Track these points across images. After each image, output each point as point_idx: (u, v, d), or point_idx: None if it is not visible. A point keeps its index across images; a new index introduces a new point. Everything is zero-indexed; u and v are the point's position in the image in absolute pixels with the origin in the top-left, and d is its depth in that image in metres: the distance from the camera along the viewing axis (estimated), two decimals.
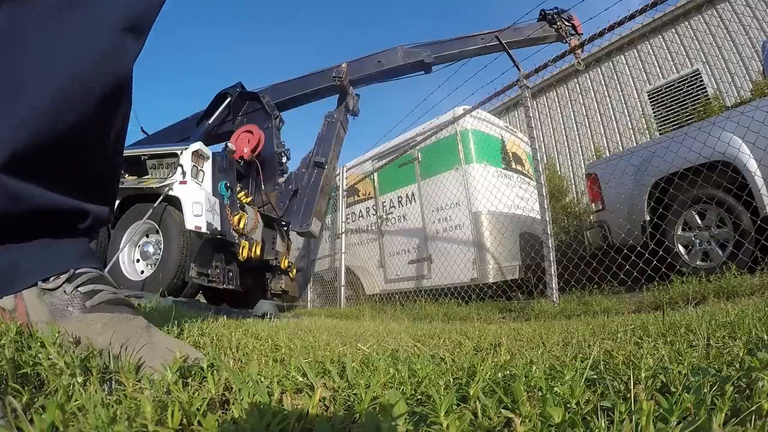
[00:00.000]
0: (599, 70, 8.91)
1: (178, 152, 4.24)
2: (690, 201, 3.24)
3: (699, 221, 3.25)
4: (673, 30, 7.97)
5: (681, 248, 3.34)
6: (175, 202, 4.08)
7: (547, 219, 3.38)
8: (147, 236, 4.42)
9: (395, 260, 5.58)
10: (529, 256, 4.36)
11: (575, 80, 9.34)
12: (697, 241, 3.27)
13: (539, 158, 3.56)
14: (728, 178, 2.94)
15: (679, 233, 3.36)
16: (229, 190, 4.32)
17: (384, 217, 5.83)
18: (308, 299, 6.88)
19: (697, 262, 3.23)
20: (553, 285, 3.19)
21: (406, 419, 0.38)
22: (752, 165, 2.85)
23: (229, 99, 5.60)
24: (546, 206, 3.44)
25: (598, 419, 0.38)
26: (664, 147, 3.33)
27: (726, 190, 2.99)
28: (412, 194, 5.53)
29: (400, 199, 5.70)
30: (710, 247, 3.18)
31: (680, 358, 0.59)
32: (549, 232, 3.33)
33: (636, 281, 3.12)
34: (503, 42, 4.05)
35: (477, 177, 4.82)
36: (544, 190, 3.48)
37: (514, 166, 5.48)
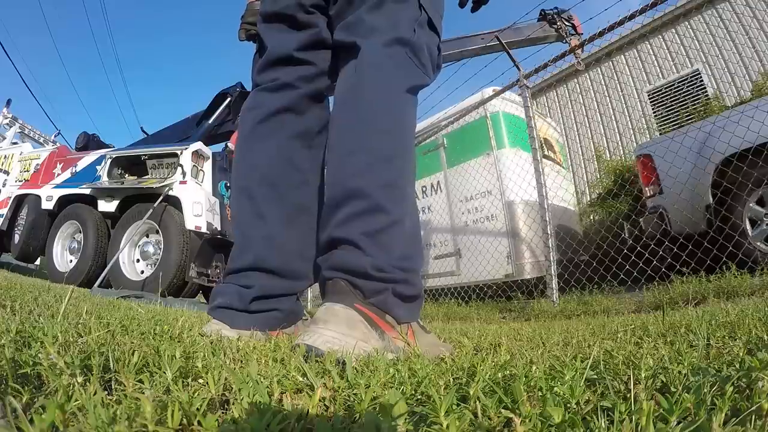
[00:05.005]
0: (599, 70, 8.90)
1: (178, 152, 4.25)
2: None
3: None
4: (673, 30, 7.97)
5: (749, 230, 2.93)
6: (175, 202, 4.08)
7: (548, 219, 3.38)
8: (147, 236, 4.43)
9: None
10: (571, 249, 3.98)
11: (575, 80, 9.33)
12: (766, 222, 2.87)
13: (539, 158, 3.56)
14: None
15: (748, 214, 2.95)
16: (229, 190, 4.33)
17: None
18: (308, 299, 6.88)
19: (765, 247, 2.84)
20: (553, 285, 3.20)
21: (406, 419, 0.38)
22: None
23: (229, 99, 5.60)
24: (546, 206, 3.44)
25: (598, 419, 0.38)
26: (734, 122, 2.88)
27: None
28: (438, 183, 5.09)
29: (424, 189, 5.21)
30: None
31: (680, 358, 0.59)
32: (549, 232, 3.33)
33: (636, 281, 3.12)
34: (503, 42, 4.05)
35: (510, 164, 4.39)
36: (544, 190, 3.48)
37: (546, 152, 4.92)
